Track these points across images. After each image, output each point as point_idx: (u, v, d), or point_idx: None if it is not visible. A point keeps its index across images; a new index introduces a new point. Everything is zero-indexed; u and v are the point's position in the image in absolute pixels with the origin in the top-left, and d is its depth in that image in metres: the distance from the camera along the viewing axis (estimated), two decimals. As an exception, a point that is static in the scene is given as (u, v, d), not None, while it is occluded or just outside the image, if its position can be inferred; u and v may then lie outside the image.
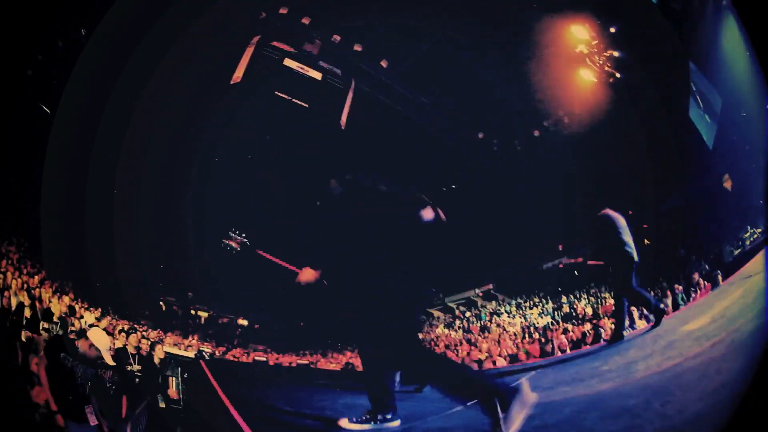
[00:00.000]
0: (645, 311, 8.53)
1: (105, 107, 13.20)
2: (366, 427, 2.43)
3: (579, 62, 10.34)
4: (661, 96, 9.76)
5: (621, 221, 4.88)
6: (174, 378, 6.06)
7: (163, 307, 19.62)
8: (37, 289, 7.29)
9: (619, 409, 2.35)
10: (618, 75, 9.87)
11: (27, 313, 6.04)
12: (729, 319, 3.45)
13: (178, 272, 19.63)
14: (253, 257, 19.20)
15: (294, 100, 13.54)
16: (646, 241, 12.22)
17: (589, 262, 5.39)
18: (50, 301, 7.08)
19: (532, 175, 16.08)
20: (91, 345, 4.24)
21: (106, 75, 12.50)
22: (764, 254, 4.48)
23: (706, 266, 7.77)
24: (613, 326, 5.39)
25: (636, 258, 4.72)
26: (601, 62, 9.68)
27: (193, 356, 11.90)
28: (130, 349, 6.14)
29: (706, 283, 7.15)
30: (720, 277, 6.42)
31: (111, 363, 4.88)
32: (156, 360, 5.92)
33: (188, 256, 19.34)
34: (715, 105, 8.13)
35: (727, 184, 8.15)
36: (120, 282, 17.70)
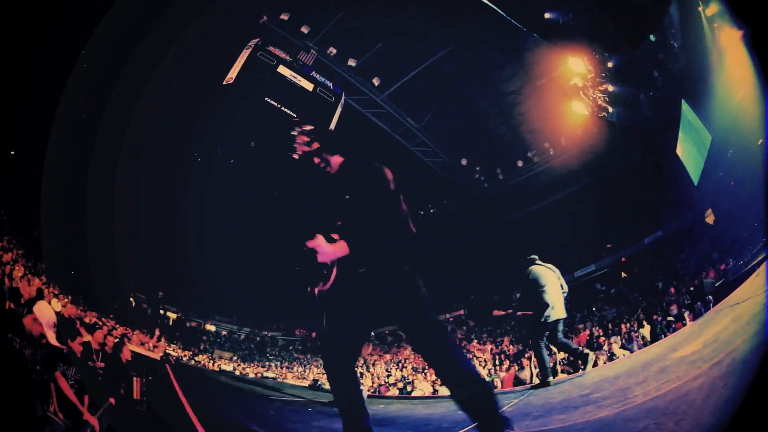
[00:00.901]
0: (623, 341, 8.66)
1: (105, 107, 13.13)
2: None
3: (572, 94, 10.41)
4: (651, 131, 10.03)
5: (547, 278, 4.88)
6: (139, 378, 5.66)
7: (133, 303, 18.97)
8: (8, 266, 6.79)
9: (631, 433, 2.27)
10: (611, 109, 9.98)
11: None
12: (724, 342, 3.40)
13: (177, 272, 19.24)
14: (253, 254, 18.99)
15: (283, 108, 13.36)
16: (623, 275, 12.47)
17: (519, 313, 5.61)
18: (20, 281, 6.58)
19: (511, 203, 16.33)
20: (35, 319, 3.86)
21: (106, 75, 12.40)
22: (764, 270, 4.53)
23: (687, 297, 7.91)
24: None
25: (555, 318, 4.77)
26: (594, 96, 9.80)
27: (159, 358, 11.31)
28: (94, 345, 5.75)
29: (687, 313, 7.26)
30: (702, 308, 6.54)
31: (54, 342, 4.49)
32: (123, 358, 5.53)
33: (188, 256, 19.03)
34: (704, 142, 8.40)
35: (710, 219, 8.38)
36: (120, 281, 17.30)
